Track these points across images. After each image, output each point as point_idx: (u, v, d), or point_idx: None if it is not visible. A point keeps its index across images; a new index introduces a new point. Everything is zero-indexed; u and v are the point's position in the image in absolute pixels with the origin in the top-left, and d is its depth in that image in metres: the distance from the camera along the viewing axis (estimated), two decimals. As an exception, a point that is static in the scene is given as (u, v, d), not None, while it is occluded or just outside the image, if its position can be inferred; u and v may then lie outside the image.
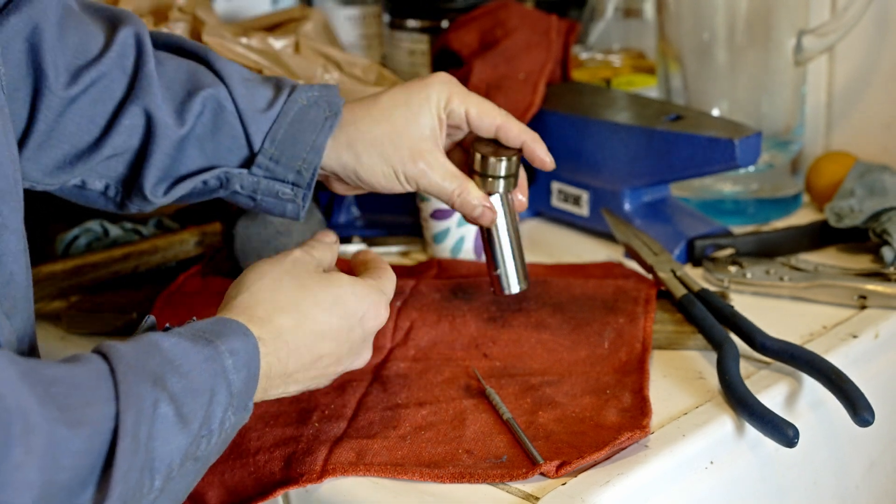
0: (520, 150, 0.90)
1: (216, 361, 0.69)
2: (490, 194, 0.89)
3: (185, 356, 0.68)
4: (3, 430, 0.56)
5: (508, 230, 0.90)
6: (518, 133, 0.90)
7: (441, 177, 0.88)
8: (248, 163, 0.88)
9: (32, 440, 0.57)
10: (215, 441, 0.69)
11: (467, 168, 0.91)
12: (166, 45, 0.90)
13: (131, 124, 0.85)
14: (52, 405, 0.59)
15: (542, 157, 0.90)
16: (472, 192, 0.89)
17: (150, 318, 0.74)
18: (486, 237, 0.91)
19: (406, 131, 0.89)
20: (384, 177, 0.89)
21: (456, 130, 0.91)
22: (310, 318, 0.77)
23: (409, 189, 0.90)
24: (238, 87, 0.88)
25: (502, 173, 0.89)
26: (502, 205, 0.90)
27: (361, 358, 0.82)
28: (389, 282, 0.83)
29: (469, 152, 0.90)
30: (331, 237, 0.87)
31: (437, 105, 0.89)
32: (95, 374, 0.63)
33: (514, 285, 0.91)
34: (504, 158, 0.88)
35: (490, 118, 0.89)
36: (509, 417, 0.82)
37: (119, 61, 0.84)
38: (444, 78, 0.90)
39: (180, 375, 0.66)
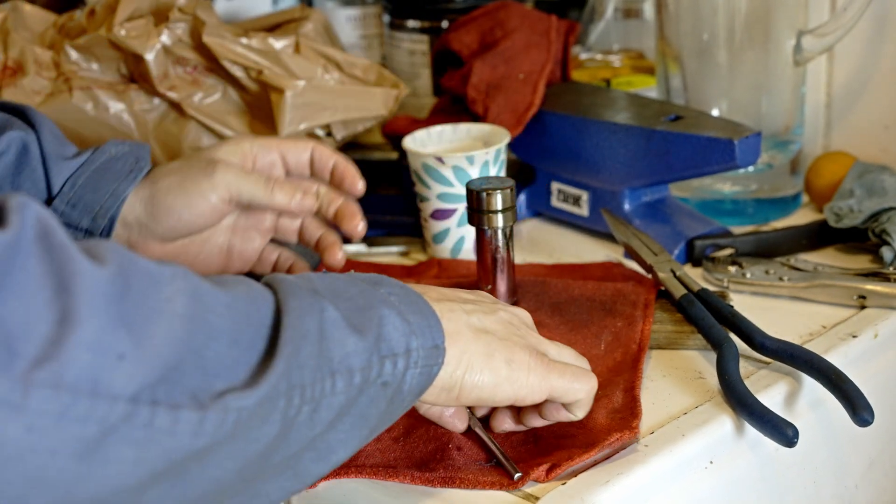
0: (514, 183, 0.94)
1: (378, 293, 0.67)
2: (489, 228, 0.94)
3: (347, 285, 0.66)
4: (140, 276, 0.55)
5: (503, 258, 0.95)
6: (330, 154, 0.92)
7: (240, 174, 0.88)
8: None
9: (177, 285, 0.56)
10: (404, 371, 0.66)
11: (467, 208, 0.95)
12: None
13: None
14: (205, 280, 0.59)
15: (353, 177, 0.92)
16: (284, 184, 0.89)
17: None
18: (482, 259, 0.96)
19: (203, 155, 0.90)
20: (183, 193, 0.88)
21: (273, 170, 0.93)
22: (452, 296, 0.75)
23: (217, 200, 0.88)
24: (48, 135, 0.88)
25: (499, 207, 0.94)
26: (502, 236, 0.95)
27: (521, 334, 0.77)
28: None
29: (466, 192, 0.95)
30: None
31: (240, 143, 0.90)
32: (252, 286, 0.62)
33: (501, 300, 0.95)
34: (499, 192, 0.93)
35: (302, 144, 0.91)
36: (479, 430, 0.80)
37: None
38: (248, 134, 0.93)
39: (345, 298, 0.65)
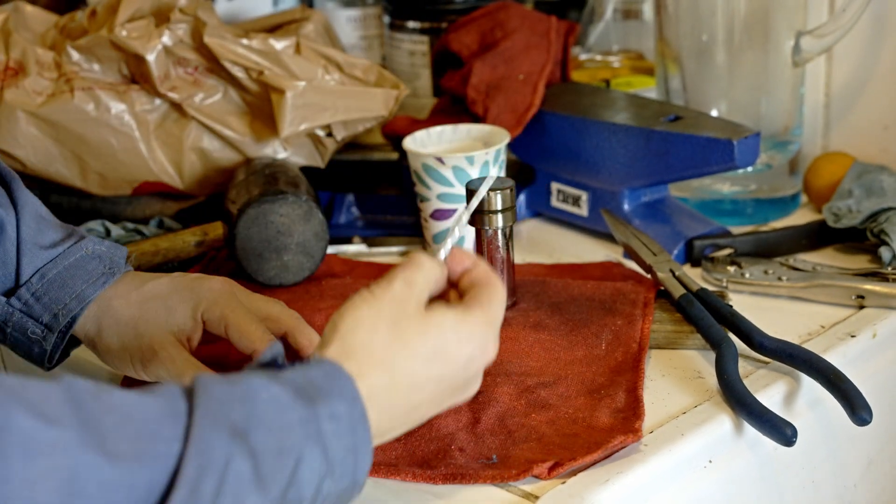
0: (514, 183, 0.95)
1: (311, 424, 0.62)
2: (489, 228, 0.95)
3: (279, 413, 0.62)
4: (13, 447, 0.53)
5: (503, 258, 0.96)
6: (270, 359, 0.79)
7: (171, 374, 0.84)
8: (9, 293, 0.86)
9: (54, 461, 0.54)
10: None
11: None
12: None
13: None
14: (94, 432, 0.56)
15: (306, 342, 0.86)
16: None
17: (277, 346, 0.68)
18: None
19: (154, 322, 0.85)
20: (119, 360, 0.86)
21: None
22: (406, 373, 0.69)
23: (138, 374, 0.86)
24: (28, 218, 0.86)
25: (499, 207, 0.94)
26: (502, 236, 0.95)
27: (466, 394, 0.74)
28: (499, 305, 0.74)
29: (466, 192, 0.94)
30: (430, 261, 0.74)
31: (196, 308, 0.85)
32: (168, 410, 0.59)
33: None
34: (499, 192, 0.94)
35: (247, 341, 0.84)
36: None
37: None
38: (218, 285, 0.86)
39: (267, 431, 0.61)
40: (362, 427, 0.65)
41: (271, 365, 0.67)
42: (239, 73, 1.12)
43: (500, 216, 0.95)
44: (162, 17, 1.13)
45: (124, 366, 0.86)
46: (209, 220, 1.13)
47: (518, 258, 1.07)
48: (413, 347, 0.69)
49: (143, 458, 0.57)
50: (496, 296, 0.73)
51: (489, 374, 0.88)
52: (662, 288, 0.97)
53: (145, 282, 0.87)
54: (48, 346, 0.86)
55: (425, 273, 0.72)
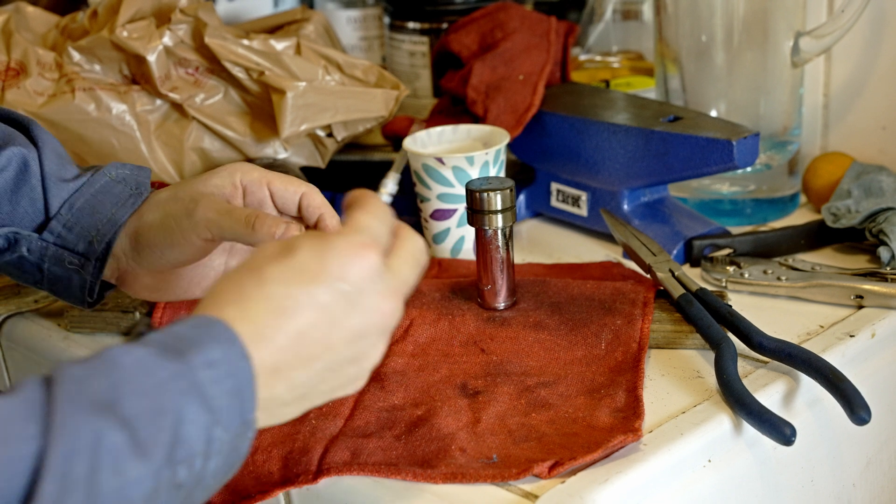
0: (513, 183, 0.95)
1: (183, 377, 0.60)
2: (489, 228, 0.95)
3: (148, 372, 0.60)
4: None
5: (503, 258, 0.96)
6: (319, 204, 0.85)
7: (221, 210, 0.83)
8: (40, 228, 0.86)
9: None
10: (204, 464, 0.61)
11: (467, 209, 0.95)
12: None
13: None
14: None
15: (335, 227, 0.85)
16: (266, 219, 0.82)
17: (145, 320, 0.68)
18: (481, 259, 0.97)
19: (191, 188, 0.85)
20: (164, 230, 0.84)
21: (261, 207, 0.86)
22: (261, 297, 0.65)
23: (197, 239, 0.84)
24: (50, 154, 0.87)
25: (499, 207, 0.95)
26: (502, 236, 0.96)
27: (377, 315, 0.68)
28: (365, 213, 0.69)
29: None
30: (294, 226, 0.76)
31: (232, 173, 0.85)
32: (24, 407, 0.56)
33: (500, 303, 0.97)
34: (498, 193, 0.94)
35: (294, 186, 0.85)
36: None
37: None
38: (241, 161, 0.88)
39: (140, 395, 0.59)
40: (244, 367, 0.62)
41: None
42: (239, 73, 1.13)
43: (499, 216, 0.95)
44: (163, 18, 1.14)
45: (171, 232, 0.84)
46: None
47: (518, 258, 1.07)
48: (260, 272, 0.65)
49: (6, 447, 0.55)
50: (368, 209, 0.69)
51: (489, 373, 0.89)
52: (662, 288, 0.97)
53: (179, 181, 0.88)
54: (87, 275, 0.86)
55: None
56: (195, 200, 0.84)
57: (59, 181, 0.87)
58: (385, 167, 1.25)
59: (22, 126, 0.90)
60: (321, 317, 0.66)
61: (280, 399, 0.66)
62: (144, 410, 0.58)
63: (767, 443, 0.82)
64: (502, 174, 1.11)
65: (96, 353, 0.61)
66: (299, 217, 0.87)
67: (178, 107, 1.14)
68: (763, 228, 1.15)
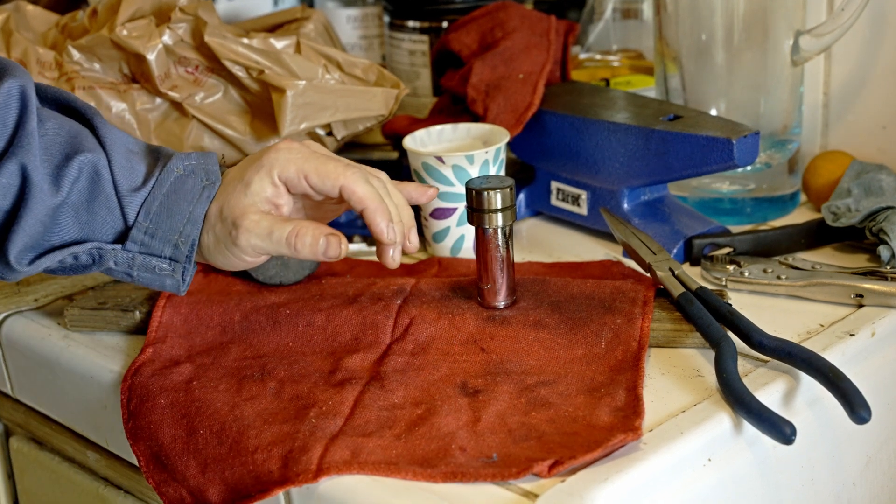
0: (513, 182, 0.95)
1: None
2: (489, 227, 0.95)
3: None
4: None
5: (503, 257, 0.96)
6: (361, 196, 0.85)
7: (262, 235, 0.85)
8: (122, 237, 0.86)
9: None
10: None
11: (466, 207, 0.95)
12: (55, 100, 0.89)
13: (6, 183, 0.82)
14: None
15: (381, 226, 0.86)
16: (306, 232, 0.84)
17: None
18: (481, 258, 0.97)
19: (235, 202, 0.86)
20: (220, 253, 0.87)
21: (310, 197, 0.89)
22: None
23: (253, 258, 0.87)
24: (118, 156, 0.86)
25: (499, 206, 0.94)
26: (501, 235, 0.95)
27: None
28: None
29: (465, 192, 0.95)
30: None
31: (270, 172, 0.86)
32: None
33: (500, 302, 0.97)
34: (499, 191, 0.94)
35: (331, 180, 0.85)
36: None
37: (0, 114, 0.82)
38: (285, 145, 0.87)
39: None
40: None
41: None
42: (239, 72, 1.13)
43: (499, 215, 0.95)
44: (162, 17, 1.14)
45: (224, 255, 0.87)
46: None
47: (518, 257, 1.07)
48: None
49: None
50: None
51: (489, 372, 0.89)
52: (662, 287, 0.97)
53: (227, 172, 0.88)
54: (179, 276, 0.87)
55: None
56: (237, 225, 0.85)
57: (132, 189, 0.86)
58: (385, 166, 1.25)
59: (85, 119, 0.88)
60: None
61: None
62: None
63: (767, 442, 0.82)
64: (502, 173, 1.11)
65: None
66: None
67: (177, 105, 1.14)
68: (763, 227, 1.15)
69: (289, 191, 0.87)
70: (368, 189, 0.85)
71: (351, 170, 0.86)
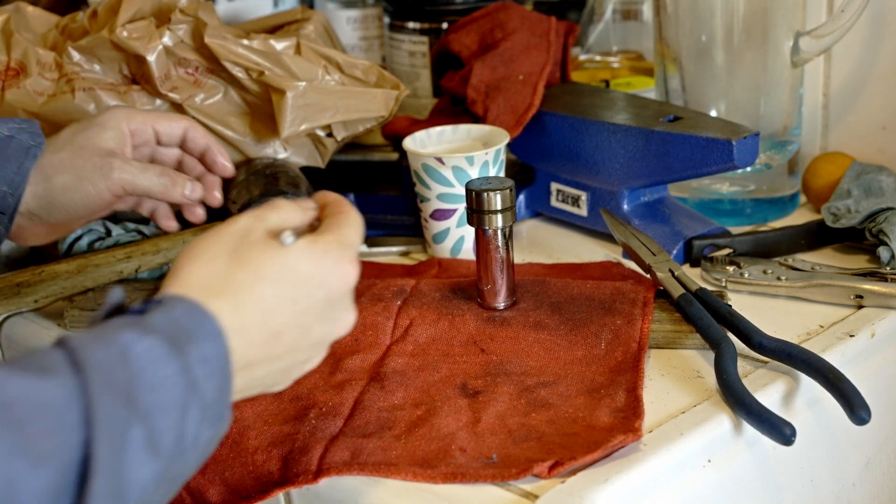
0: (513, 183, 0.95)
1: (188, 374, 0.60)
2: (489, 228, 0.95)
3: (157, 367, 0.59)
4: None
5: (503, 258, 0.96)
6: (203, 136, 1.02)
7: (140, 169, 0.94)
8: None
9: None
10: (190, 459, 0.62)
11: (466, 209, 0.95)
12: None
13: None
14: (12, 433, 0.52)
15: (223, 162, 1.03)
16: (177, 176, 0.96)
17: (118, 293, 0.64)
18: (481, 259, 0.97)
19: (90, 145, 0.93)
20: (80, 192, 0.92)
21: (146, 147, 0.99)
22: (253, 295, 0.66)
23: (112, 196, 0.93)
24: None
25: (498, 207, 0.94)
26: (501, 236, 0.95)
27: (341, 325, 0.72)
28: (352, 229, 0.72)
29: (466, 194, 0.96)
30: (308, 203, 0.75)
31: (118, 122, 0.95)
32: (64, 392, 0.55)
33: (500, 302, 0.97)
34: (498, 193, 0.94)
35: (176, 123, 0.99)
36: None
37: None
38: (122, 107, 0.98)
39: (150, 390, 0.58)
40: (227, 363, 0.63)
41: (120, 309, 0.64)
42: (239, 73, 1.13)
43: (499, 216, 0.95)
44: (163, 18, 1.14)
45: (87, 194, 0.93)
46: (210, 220, 1.13)
47: (518, 258, 1.07)
48: (256, 270, 0.66)
49: (58, 455, 0.54)
50: (348, 219, 0.72)
51: (489, 373, 0.89)
52: (662, 288, 0.97)
53: (59, 133, 0.96)
54: (2, 227, 0.91)
55: (280, 211, 0.71)
56: (107, 162, 0.93)
57: None
58: (385, 167, 1.25)
59: None
60: (296, 321, 0.68)
61: (235, 391, 0.67)
62: (155, 405, 0.58)
63: (767, 443, 0.82)
64: (502, 174, 1.11)
65: (106, 335, 0.60)
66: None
67: (177, 107, 1.14)
68: (763, 228, 1.15)
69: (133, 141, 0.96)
70: (206, 131, 1.02)
71: (189, 118, 1.01)
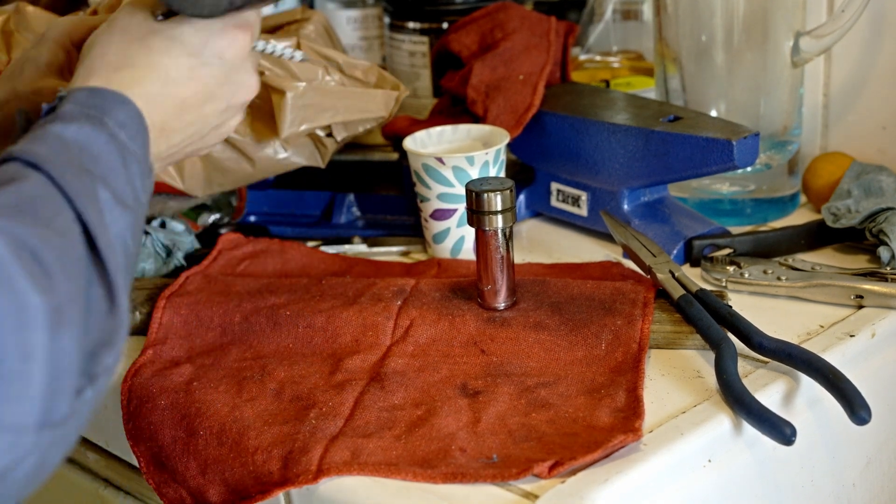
0: (513, 183, 0.95)
1: (116, 140, 0.71)
2: (489, 228, 0.95)
3: (91, 141, 0.69)
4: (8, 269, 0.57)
5: (503, 258, 0.96)
6: None
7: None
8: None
9: (40, 260, 0.59)
10: (146, 209, 0.73)
11: (466, 209, 0.96)
12: None
13: None
14: (35, 223, 0.61)
15: None
16: None
17: (21, 112, 0.77)
18: (481, 259, 0.97)
19: (24, 85, 0.90)
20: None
21: None
22: (150, 68, 0.76)
23: None
24: None
25: (499, 207, 0.94)
26: (501, 237, 0.95)
27: (245, 87, 0.82)
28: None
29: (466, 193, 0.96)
30: None
31: (56, 41, 0.90)
32: (40, 185, 0.64)
33: (500, 302, 0.97)
34: (498, 193, 0.94)
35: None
36: None
37: None
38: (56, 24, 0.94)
39: (96, 160, 0.69)
40: (142, 120, 0.74)
41: (29, 122, 0.75)
42: (239, 73, 1.13)
43: (499, 216, 0.95)
44: (163, 18, 1.14)
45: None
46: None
47: (518, 258, 1.07)
48: (148, 44, 0.76)
49: (68, 229, 0.63)
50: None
51: (489, 374, 0.89)
52: (662, 288, 0.97)
53: None
54: None
55: None
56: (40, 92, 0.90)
57: None
58: (385, 167, 1.25)
59: None
60: (201, 89, 0.78)
61: (158, 155, 0.78)
62: (106, 171, 0.69)
63: (767, 443, 0.82)
64: (502, 174, 1.11)
65: (38, 133, 0.69)
66: None
67: (178, 107, 1.14)
68: (763, 228, 1.15)
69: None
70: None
71: None
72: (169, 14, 0.78)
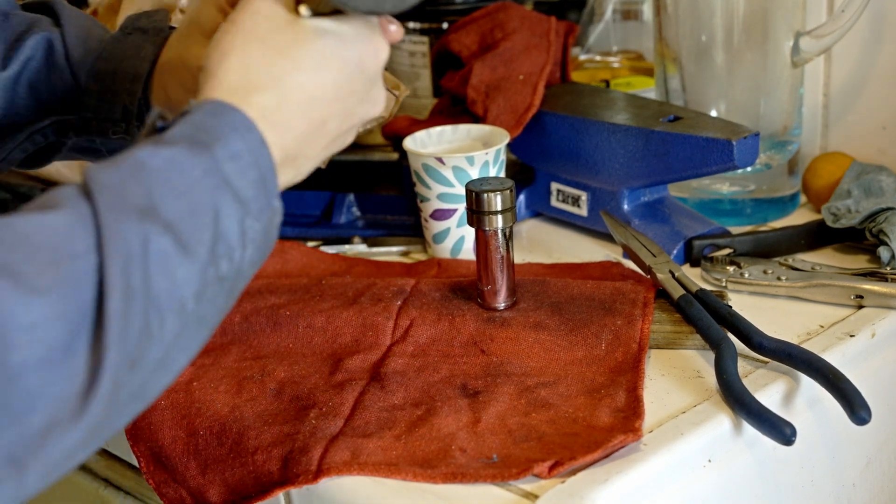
0: (513, 183, 0.95)
1: (216, 174, 0.60)
2: (489, 229, 0.95)
3: (181, 172, 0.59)
4: None
5: (503, 258, 0.96)
6: None
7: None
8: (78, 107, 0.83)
9: None
10: (241, 255, 0.62)
11: (466, 209, 0.96)
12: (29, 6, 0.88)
13: None
14: (7, 274, 0.53)
15: None
16: None
17: (155, 112, 0.64)
18: (481, 259, 0.97)
19: (188, 51, 0.81)
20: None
21: None
22: (294, 86, 0.65)
23: None
24: (72, 28, 0.83)
25: (499, 207, 0.94)
26: (501, 237, 0.95)
27: (378, 103, 0.71)
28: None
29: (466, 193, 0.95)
30: None
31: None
32: (74, 220, 0.56)
33: (500, 303, 0.97)
34: (498, 193, 0.94)
35: None
36: None
37: None
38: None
39: (176, 196, 0.59)
40: (264, 154, 0.63)
41: (158, 131, 0.64)
42: (239, 73, 1.12)
43: (499, 217, 0.95)
44: (163, 18, 1.13)
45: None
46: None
47: (518, 258, 1.07)
48: (294, 58, 0.66)
49: (66, 282, 0.54)
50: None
51: (489, 374, 0.89)
52: (662, 288, 0.97)
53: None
54: (133, 136, 0.83)
55: None
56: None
57: (83, 55, 0.83)
58: (385, 167, 1.25)
59: (49, 8, 0.86)
60: (341, 110, 0.68)
61: (282, 185, 0.67)
62: (183, 211, 0.59)
63: (767, 443, 0.82)
64: (502, 174, 1.11)
65: (123, 157, 0.60)
66: None
67: (178, 107, 1.14)
68: (763, 228, 1.15)
69: None
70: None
71: None
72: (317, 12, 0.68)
